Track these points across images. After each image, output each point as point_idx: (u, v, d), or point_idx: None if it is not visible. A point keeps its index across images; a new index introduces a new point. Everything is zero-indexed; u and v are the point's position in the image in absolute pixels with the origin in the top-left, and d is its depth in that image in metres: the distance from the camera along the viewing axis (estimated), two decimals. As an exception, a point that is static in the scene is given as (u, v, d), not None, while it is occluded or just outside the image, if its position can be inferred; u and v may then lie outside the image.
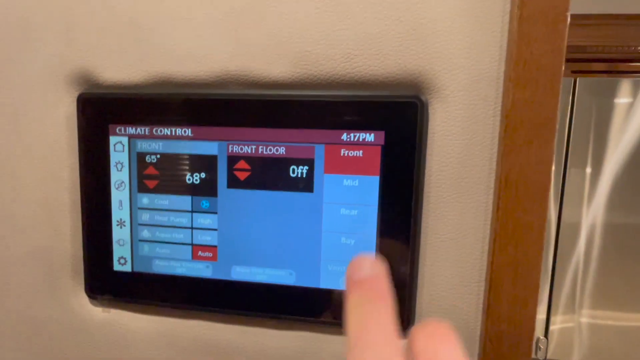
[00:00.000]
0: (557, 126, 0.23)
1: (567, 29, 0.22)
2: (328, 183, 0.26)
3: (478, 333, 0.26)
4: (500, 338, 0.24)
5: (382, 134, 0.25)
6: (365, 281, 0.15)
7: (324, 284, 0.27)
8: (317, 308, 0.27)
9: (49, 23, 0.28)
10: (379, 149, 0.25)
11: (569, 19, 0.22)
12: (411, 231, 0.25)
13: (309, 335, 0.28)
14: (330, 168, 0.26)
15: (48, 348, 0.32)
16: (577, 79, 1.56)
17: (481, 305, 0.26)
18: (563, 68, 0.22)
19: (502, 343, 0.24)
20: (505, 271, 0.24)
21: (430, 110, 0.25)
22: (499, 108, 0.24)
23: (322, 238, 0.27)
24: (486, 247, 0.25)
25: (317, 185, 0.26)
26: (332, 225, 0.27)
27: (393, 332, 0.15)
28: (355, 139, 0.26)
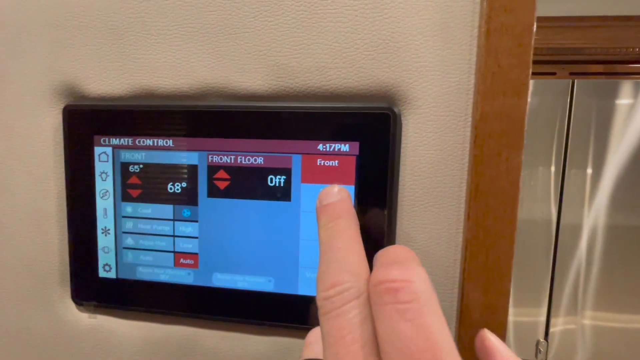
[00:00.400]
0: (525, 136, 0.23)
1: (532, 42, 0.23)
2: (305, 192, 0.27)
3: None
4: (472, 343, 0.25)
5: (356, 144, 0.26)
6: (333, 204, 0.17)
7: (302, 291, 0.28)
8: (296, 314, 0.28)
9: (36, 37, 0.29)
10: (353, 158, 0.26)
11: (534, 33, 0.22)
12: (385, 238, 0.26)
13: (288, 340, 0.29)
14: (307, 177, 0.27)
15: (37, 355, 0.33)
16: (575, 81, 1.56)
17: (454, 311, 0.26)
18: (529, 80, 0.23)
19: (473, 347, 0.25)
20: (476, 278, 0.25)
21: (403, 121, 0.25)
22: (469, 119, 0.25)
23: (299, 246, 0.27)
24: (459, 255, 0.26)
25: (295, 194, 0.27)
26: (309, 233, 0.27)
27: (359, 241, 0.16)
28: (331, 149, 0.26)
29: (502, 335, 0.25)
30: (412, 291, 0.13)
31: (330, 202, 0.18)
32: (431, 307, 0.13)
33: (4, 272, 0.32)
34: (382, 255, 0.16)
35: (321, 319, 0.15)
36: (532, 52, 0.23)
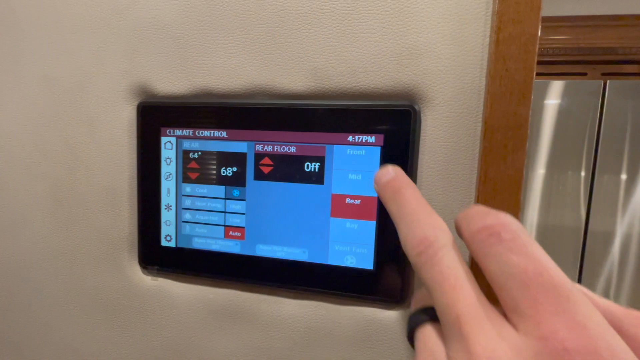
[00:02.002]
0: (529, 131, 0.27)
1: (536, 49, 0.26)
2: (336, 177, 0.32)
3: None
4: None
5: (381, 136, 0.30)
6: (393, 179, 0.20)
7: (331, 261, 0.32)
8: (326, 281, 0.33)
9: (116, 45, 0.35)
10: (378, 149, 0.30)
11: (538, 42, 0.26)
12: (405, 218, 0.30)
13: (318, 304, 0.33)
14: (338, 164, 0.31)
15: (108, 309, 0.39)
16: (608, 82, 1.52)
17: (465, 283, 0.30)
18: (533, 82, 0.27)
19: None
20: (483, 253, 0.28)
21: (422, 117, 0.30)
22: (480, 116, 0.28)
23: (330, 222, 0.32)
24: (470, 234, 0.30)
25: (327, 179, 0.32)
26: (338, 212, 0.32)
27: (427, 202, 0.19)
28: (359, 141, 0.31)
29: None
30: (511, 230, 0.15)
31: (389, 179, 0.21)
32: (530, 239, 0.15)
33: (82, 239, 0.39)
34: (466, 214, 0.18)
35: (420, 272, 0.16)
36: (536, 58, 0.26)
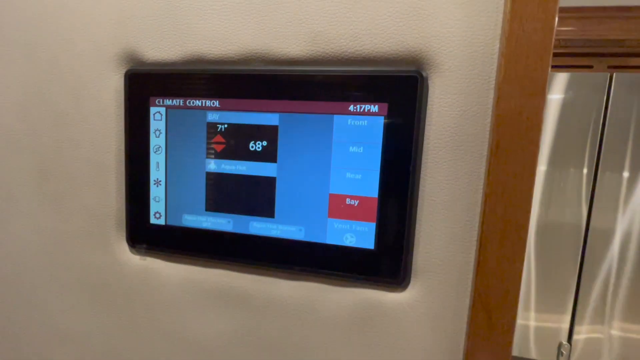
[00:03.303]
0: (546, 98, 0.25)
1: (557, 7, 0.24)
2: (336, 150, 0.29)
3: (469, 287, 0.28)
4: (488, 291, 0.27)
5: (385, 105, 0.28)
6: None
7: (330, 240, 0.30)
8: (323, 261, 0.31)
9: (102, 9, 0.33)
10: (381, 119, 0.28)
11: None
12: (408, 193, 0.28)
13: (314, 285, 0.32)
14: (339, 136, 0.29)
15: (95, 289, 0.37)
16: (614, 75, 1.49)
17: (472, 262, 0.28)
18: (552, 43, 0.24)
19: (490, 295, 0.27)
20: (494, 231, 0.26)
21: (430, 84, 0.27)
22: (492, 82, 0.26)
23: (328, 199, 0.30)
24: (478, 210, 0.28)
25: (325, 151, 0.30)
26: (339, 187, 0.30)
27: None
28: (361, 110, 0.29)
29: (517, 283, 0.26)
30: None
31: None
32: None
33: (69, 215, 0.37)
34: None
35: None
36: (556, 17, 0.24)
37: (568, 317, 1.56)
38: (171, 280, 0.35)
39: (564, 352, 1.60)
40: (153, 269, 0.35)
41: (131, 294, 0.36)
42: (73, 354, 0.39)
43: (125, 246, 0.36)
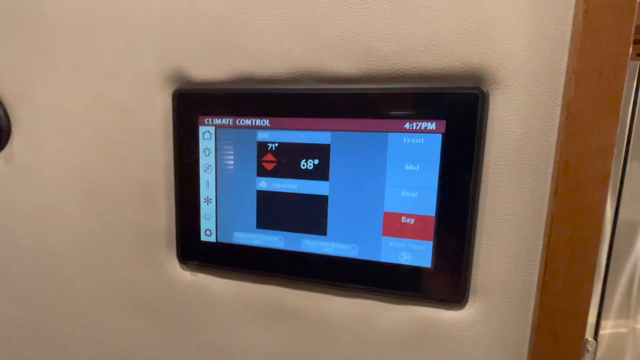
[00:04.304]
0: (620, 114, 0.24)
1: (634, 20, 0.23)
2: (391, 168, 0.29)
3: (531, 308, 0.28)
4: (554, 312, 0.26)
5: (443, 123, 0.28)
6: None
7: (384, 258, 0.30)
8: (378, 279, 0.31)
9: (149, 28, 0.33)
10: (439, 136, 0.28)
11: (636, 9, 0.23)
12: (468, 212, 0.28)
13: (370, 302, 0.32)
14: (393, 154, 0.29)
15: (145, 306, 0.38)
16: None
17: (535, 282, 0.27)
18: (629, 58, 0.23)
19: (556, 317, 0.26)
20: (562, 251, 0.26)
21: (491, 101, 0.27)
22: (559, 98, 0.25)
23: (382, 218, 0.30)
24: (541, 229, 0.27)
25: (380, 170, 0.29)
26: (394, 205, 0.29)
27: None
28: (418, 128, 0.28)
29: (586, 305, 0.26)
30: None
31: None
32: None
33: (117, 233, 0.38)
34: None
35: None
36: (632, 30, 0.23)
37: (594, 312, 1.53)
38: (222, 297, 0.35)
39: (590, 348, 1.57)
40: (204, 285, 0.36)
41: (182, 310, 0.37)
42: None
43: (175, 263, 0.37)
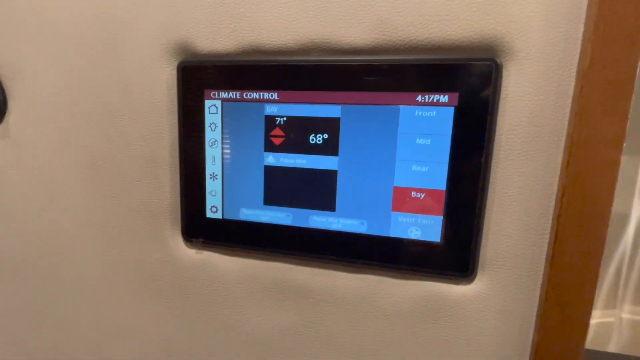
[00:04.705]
0: (634, 87, 0.24)
1: (653, -12, 0.22)
2: (401, 142, 0.29)
3: (540, 281, 0.28)
4: (562, 285, 0.26)
5: (455, 95, 0.27)
6: None
7: (393, 233, 0.30)
8: (386, 254, 0.30)
9: None
10: (452, 109, 0.27)
11: (655, -22, 0.22)
12: (479, 186, 0.28)
13: (377, 278, 0.31)
14: (405, 127, 0.29)
15: (150, 284, 0.38)
16: None
17: (543, 256, 0.28)
18: (646, 27, 0.23)
19: (564, 289, 0.26)
20: (571, 224, 0.26)
21: (504, 72, 0.26)
22: (574, 69, 0.25)
23: (392, 193, 0.30)
24: (551, 203, 0.27)
25: (390, 143, 0.29)
26: (404, 179, 0.29)
27: None
28: (430, 100, 0.28)
29: (595, 276, 0.26)
30: None
31: None
32: None
33: (121, 210, 0.37)
34: None
35: None
36: (650, -2, 0.23)
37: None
38: (229, 274, 0.35)
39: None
40: (210, 262, 0.36)
41: (187, 288, 0.37)
42: (130, 347, 0.40)
43: (180, 240, 0.36)
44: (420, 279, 0.31)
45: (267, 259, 0.34)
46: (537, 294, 0.28)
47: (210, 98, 0.32)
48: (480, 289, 0.29)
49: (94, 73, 0.35)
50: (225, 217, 0.34)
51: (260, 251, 0.34)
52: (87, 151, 0.37)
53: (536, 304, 0.28)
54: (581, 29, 0.25)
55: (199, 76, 0.32)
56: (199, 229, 0.35)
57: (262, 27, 0.30)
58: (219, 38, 0.31)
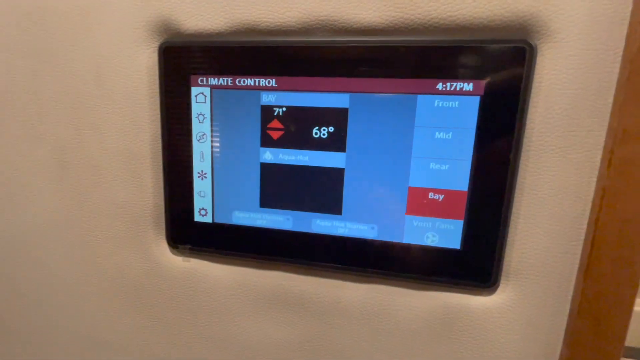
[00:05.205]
0: (689, 73, 0.21)
1: None
2: (418, 136, 0.25)
3: (571, 292, 0.25)
4: (598, 297, 0.24)
5: (481, 83, 0.24)
6: None
7: (407, 239, 0.27)
8: (400, 262, 0.27)
9: None
10: (477, 99, 0.24)
11: None
12: (506, 187, 0.24)
13: (389, 288, 0.28)
14: (422, 120, 0.25)
15: (132, 294, 0.34)
16: None
17: (577, 265, 0.25)
18: None
19: (600, 301, 0.24)
20: (611, 229, 0.23)
21: (539, 57, 0.23)
22: (620, 53, 0.22)
23: (406, 194, 0.26)
24: (587, 206, 0.24)
25: (406, 138, 0.25)
26: (420, 179, 0.26)
27: None
28: (452, 89, 0.24)
29: (634, 289, 0.23)
30: None
31: None
32: None
33: (96, 212, 0.33)
34: None
35: None
36: None
37: None
38: (220, 284, 0.31)
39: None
40: (199, 271, 0.32)
41: (175, 299, 0.33)
42: None
43: (165, 246, 0.32)
44: (436, 290, 0.27)
45: (263, 268, 0.30)
46: (567, 306, 0.25)
47: (198, 85, 0.28)
48: (504, 301, 0.26)
49: (61, 56, 0.30)
50: (215, 220, 0.30)
51: (256, 259, 0.30)
52: (55, 144, 0.32)
53: (565, 317, 0.26)
54: (630, 7, 0.21)
55: (184, 59, 0.28)
56: (186, 234, 0.31)
57: (257, 2, 0.26)
58: (207, 14, 0.27)
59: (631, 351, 0.39)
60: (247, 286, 0.31)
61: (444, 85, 0.24)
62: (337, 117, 0.26)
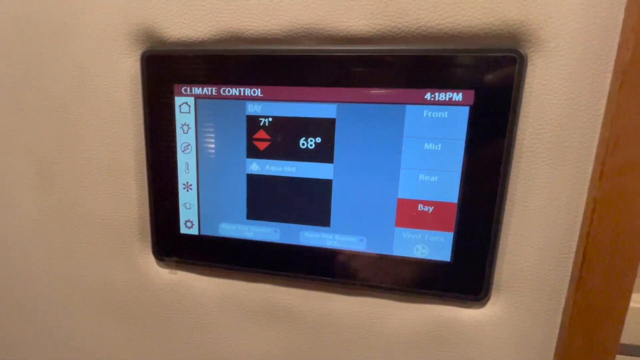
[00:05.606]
0: (681, 83, 0.20)
1: None
2: (407, 147, 0.25)
3: (562, 305, 0.25)
4: (590, 311, 0.23)
5: (471, 93, 0.23)
6: None
7: (397, 252, 0.26)
8: (389, 275, 0.27)
9: None
10: (466, 109, 0.23)
11: None
12: (497, 198, 0.24)
13: (378, 301, 0.28)
14: (411, 130, 0.24)
15: (117, 306, 0.33)
16: None
17: (567, 277, 0.24)
18: (700, 13, 0.19)
19: (591, 316, 0.23)
20: (602, 241, 0.22)
21: (529, 66, 0.22)
22: (612, 63, 0.21)
23: (395, 205, 0.26)
24: (578, 218, 0.24)
25: (394, 149, 0.25)
26: (409, 191, 0.25)
27: None
28: (441, 99, 0.24)
29: (626, 303, 0.23)
30: None
31: None
32: None
33: (80, 225, 0.32)
34: None
35: None
36: None
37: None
38: (207, 297, 0.31)
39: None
40: (186, 283, 0.31)
41: (162, 312, 0.32)
42: None
43: (151, 259, 0.31)
44: (427, 303, 0.27)
45: (251, 280, 0.30)
46: (559, 319, 0.25)
47: (182, 94, 0.27)
48: (495, 313, 0.26)
49: (41, 64, 0.29)
50: (202, 233, 0.29)
51: (243, 271, 0.30)
52: (39, 156, 0.31)
53: (557, 329, 0.25)
54: (622, 15, 0.21)
55: (167, 68, 0.27)
56: (173, 246, 0.30)
57: (242, 10, 0.25)
58: (191, 22, 0.26)
59: (627, 348, 0.39)
60: (234, 298, 0.30)
61: (433, 95, 0.24)
62: (325, 128, 0.26)
